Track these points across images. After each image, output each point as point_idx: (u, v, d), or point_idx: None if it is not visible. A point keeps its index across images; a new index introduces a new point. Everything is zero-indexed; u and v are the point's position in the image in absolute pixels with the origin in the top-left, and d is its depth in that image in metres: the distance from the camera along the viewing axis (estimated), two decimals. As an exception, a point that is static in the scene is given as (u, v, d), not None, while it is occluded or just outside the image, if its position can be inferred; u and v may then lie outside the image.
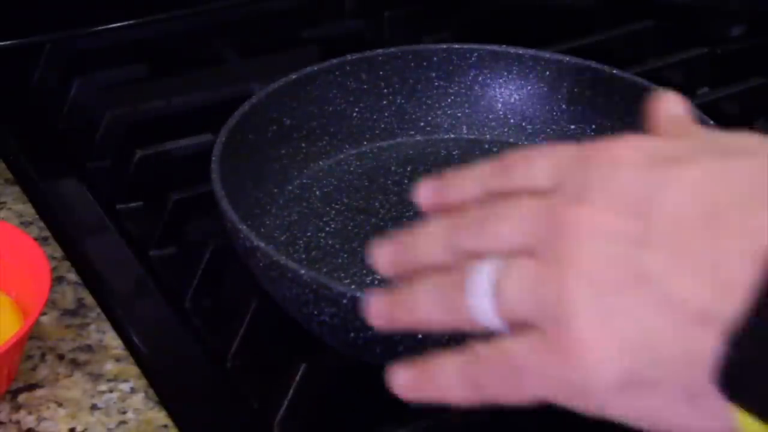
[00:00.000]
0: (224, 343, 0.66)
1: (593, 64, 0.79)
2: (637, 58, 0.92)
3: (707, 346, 0.37)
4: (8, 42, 0.93)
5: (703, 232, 0.37)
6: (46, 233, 0.77)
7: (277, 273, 0.61)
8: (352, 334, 0.59)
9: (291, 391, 0.61)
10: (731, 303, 0.36)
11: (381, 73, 0.81)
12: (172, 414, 0.63)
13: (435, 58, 0.82)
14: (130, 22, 0.96)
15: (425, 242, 0.45)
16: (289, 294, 0.61)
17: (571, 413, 0.58)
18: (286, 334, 0.65)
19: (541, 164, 0.42)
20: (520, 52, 0.81)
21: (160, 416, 0.63)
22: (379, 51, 0.81)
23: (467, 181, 0.46)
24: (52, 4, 0.93)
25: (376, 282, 0.68)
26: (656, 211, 0.38)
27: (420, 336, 0.57)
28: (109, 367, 0.66)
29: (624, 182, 0.39)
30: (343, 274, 0.69)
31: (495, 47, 0.82)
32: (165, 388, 0.64)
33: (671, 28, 0.97)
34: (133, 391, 0.64)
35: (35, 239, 0.69)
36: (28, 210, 0.79)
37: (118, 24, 0.96)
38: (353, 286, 0.68)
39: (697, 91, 0.92)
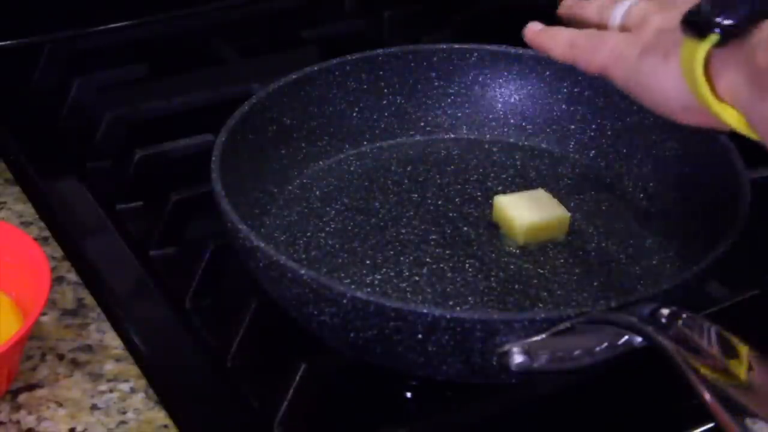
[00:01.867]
0: (224, 343, 0.66)
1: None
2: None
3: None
4: (8, 42, 0.93)
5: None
6: (46, 233, 0.77)
7: (277, 273, 0.61)
8: (352, 334, 0.59)
9: (291, 391, 0.61)
10: None
11: (381, 73, 0.81)
12: (172, 414, 0.63)
13: (435, 58, 0.82)
14: (130, 22, 0.96)
15: (588, 5, 0.68)
16: (289, 294, 0.61)
17: (571, 414, 0.58)
18: (286, 334, 0.65)
19: None
20: (520, 52, 0.82)
21: (160, 416, 0.63)
22: (379, 51, 0.81)
23: None
24: (52, 4, 0.93)
25: (376, 282, 0.68)
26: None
27: (420, 336, 0.57)
28: (109, 367, 0.66)
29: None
30: (343, 274, 0.69)
31: (495, 47, 0.82)
32: (165, 388, 0.64)
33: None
34: (133, 391, 0.64)
35: (35, 239, 0.69)
36: (28, 210, 0.79)
37: (118, 24, 0.96)
38: (353, 286, 0.68)
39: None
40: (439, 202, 0.76)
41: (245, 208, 0.70)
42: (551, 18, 0.70)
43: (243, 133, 0.73)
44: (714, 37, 0.54)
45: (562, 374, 0.60)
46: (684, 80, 0.57)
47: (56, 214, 0.78)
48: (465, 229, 0.73)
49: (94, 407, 0.63)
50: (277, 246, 0.71)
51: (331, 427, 0.63)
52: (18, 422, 0.62)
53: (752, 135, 0.55)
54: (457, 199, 0.76)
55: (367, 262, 0.70)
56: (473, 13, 1.03)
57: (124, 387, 0.65)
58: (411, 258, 0.70)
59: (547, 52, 0.68)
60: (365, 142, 0.81)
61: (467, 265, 0.70)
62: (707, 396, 0.50)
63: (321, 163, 0.79)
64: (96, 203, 0.79)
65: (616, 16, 0.65)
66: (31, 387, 0.64)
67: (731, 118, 0.55)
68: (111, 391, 0.64)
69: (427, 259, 0.70)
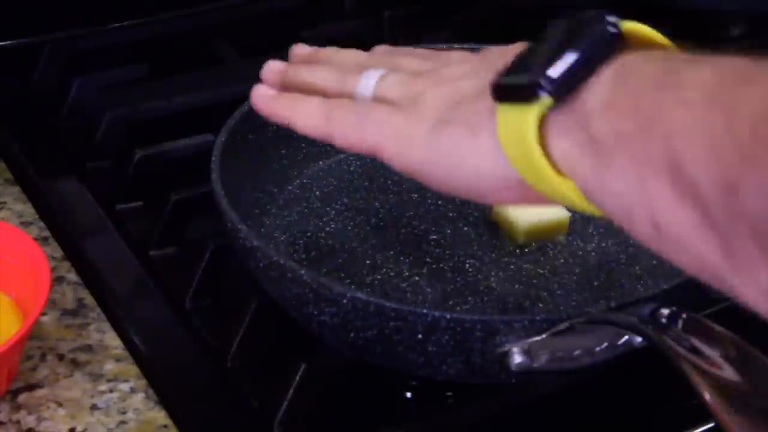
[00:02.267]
0: (224, 343, 0.66)
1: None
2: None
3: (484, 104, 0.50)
4: (8, 42, 0.93)
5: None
6: (46, 233, 0.77)
7: (277, 273, 0.61)
8: (352, 334, 0.59)
9: (291, 391, 0.61)
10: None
11: (381, 73, 0.81)
12: (172, 414, 0.63)
13: (435, 58, 0.82)
14: (130, 22, 0.96)
15: (320, 69, 0.60)
16: (289, 294, 0.61)
17: (571, 414, 0.58)
18: (286, 334, 0.65)
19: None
20: (520, 52, 0.81)
21: (160, 416, 0.63)
22: (379, 51, 0.81)
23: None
24: (52, 4, 0.93)
25: (376, 282, 0.68)
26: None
27: (420, 336, 0.57)
28: (109, 367, 0.66)
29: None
30: (343, 274, 0.69)
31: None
32: (165, 388, 0.64)
33: (671, 28, 0.97)
34: (133, 391, 0.64)
35: (35, 239, 0.69)
36: (28, 210, 0.79)
37: (118, 24, 0.96)
38: (353, 286, 0.68)
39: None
40: (439, 202, 0.76)
41: (245, 208, 0.70)
42: (551, 18, 0.69)
43: (243, 133, 0.73)
44: (546, 101, 0.46)
45: (562, 374, 0.60)
46: (501, 155, 0.48)
47: (56, 214, 0.78)
48: (465, 229, 0.73)
49: (94, 407, 0.63)
50: (277, 246, 0.71)
51: (331, 427, 0.63)
52: (18, 422, 0.62)
53: (585, 207, 0.47)
54: (457, 199, 0.76)
55: (367, 262, 0.70)
56: (473, 14, 1.03)
57: (124, 387, 0.65)
58: (411, 258, 0.70)
59: (290, 124, 0.57)
60: (365, 142, 0.81)
61: (467, 265, 0.70)
62: (707, 396, 0.50)
63: (321, 163, 0.79)
64: (96, 203, 0.79)
65: (366, 87, 0.56)
66: (31, 387, 0.64)
67: (569, 191, 0.47)
68: (111, 391, 0.64)
69: (427, 259, 0.70)
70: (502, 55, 0.51)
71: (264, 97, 0.60)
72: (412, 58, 0.59)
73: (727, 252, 0.40)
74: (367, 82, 0.56)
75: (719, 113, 0.40)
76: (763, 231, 0.39)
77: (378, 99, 0.55)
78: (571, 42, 0.47)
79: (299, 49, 0.64)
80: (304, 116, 0.57)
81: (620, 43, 0.47)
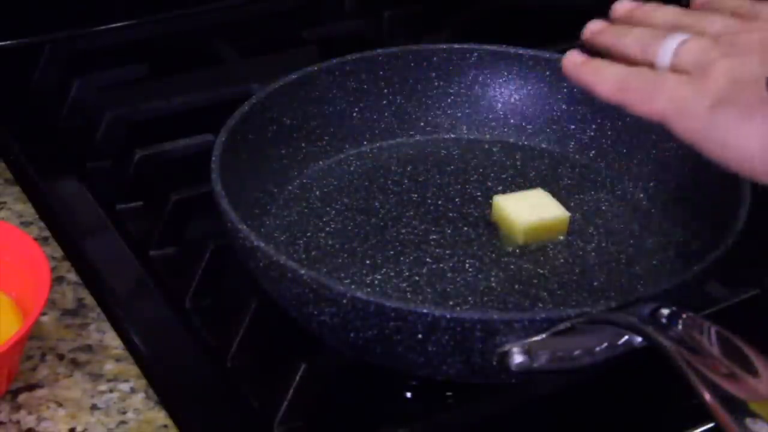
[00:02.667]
0: (224, 343, 0.66)
1: (593, 64, 0.79)
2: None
3: None
4: (8, 42, 0.93)
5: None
6: (46, 233, 0.77)
7: (277, 273, 0.61)
8: (352, 334, 0.59)
9: (291, 391, 0.61)
10: None
11: (381, 73, 0.81)
12: (172, 414, 0.63)
13: (435, 58, 0.82)
14: (130, 22, 0.96)
15: (628, 35, 0.63)
16: (289, 294, 0.61)
17: (571, 414, 0.58)
18: (286, 334, 0.65)
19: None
20: (520, 52, 0.82)
21: (160, 416, 0.63)
22: (379, 51, 0.81)
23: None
24: (52, 4, 0.93)
25: (376, 282, 0.68)
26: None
27: (420, 336, 0.57)
28: (109, 367, 0.66)
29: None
30: (343, 274, 0.69)
31: (495, 47, 0.82)
32: (165, 388, 0.64)
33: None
34: (133, 391, 0.64)
35: (35, 239, 0.69)
36: (28, 210, 0.79)
37: (118, 24, 0.96)
38: (353, 286, 0.68)
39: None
40: (439, 202, 0.76)
41: (245, 208, 0.70)
42: (551, 18, 0.69)
43: (243, 133, 0.73)
44: None
45: (562, 374, 0.60)
46: None
47: (56, 214, 0.78)
48: (465, 229, 0.73)
49: (94, 407, 0.63)
50: (277, 246, 0.71)
51: (331, 427, 0.63)
52: (18, 422, 0.62)
53: None
54: (457, 199, 0.76)
55: (367, 262, 0.70)
56: (473, 13, 1.03)
57: (124, 387, 0.65)
58: (411, 258, 0.70)
59: (591, 88, 0.62)
60: (365, 142, 0.81)
61: (467, 265, 0.70)
62: (707, 396, 0.50)
63: (321, 163, 0.79)
64: (96, 203, 0.79)
65: (665, 54, 0.60)
66: (31, 387, 0.64)
67: None
68: (111, 391, 0.64)
69: (427, 259, 0.70)
70: None
71: (573, 63, 0.64)
72: (719, 18, 0.61)
73: None
74: (666, 50, 0.59)
75: None
76: None
77: (674, 66, 0.59)
78: None
79: (619, 6, 0.66)
80: (603, 83, 0.61)
81: None
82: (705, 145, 0.57)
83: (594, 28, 0.65)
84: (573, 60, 0.64)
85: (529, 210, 0.72)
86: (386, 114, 0.82)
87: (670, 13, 0.64)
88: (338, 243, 0.72)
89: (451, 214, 0.75)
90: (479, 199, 0.76)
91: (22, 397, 0.64)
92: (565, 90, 0.81)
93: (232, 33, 0.97)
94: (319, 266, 0.70)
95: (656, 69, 0.60)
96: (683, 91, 0.58)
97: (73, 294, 0.71)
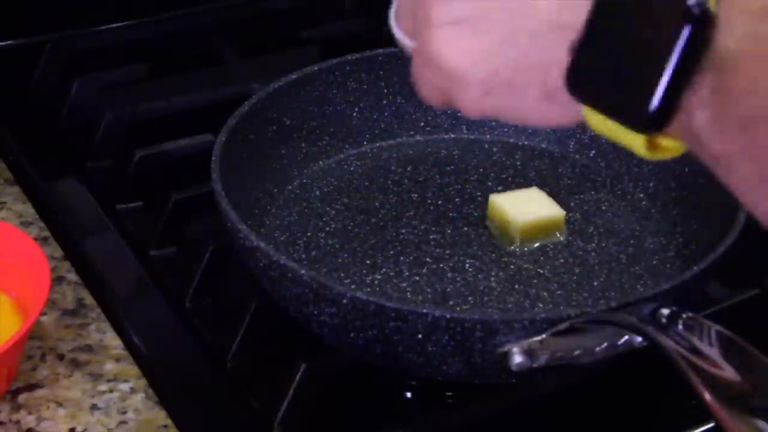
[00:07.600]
0: (224, 343, 0.66)
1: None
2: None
3: (559, 53, 0.45)
4: (8, 42, 0.93)
5: None
6: (46, 233, 0.77)
7: (277, 273, 0.61)
8: (352, 334, 0.59)
9: (291, 391, 0.61)
10: (577, 14, 0.44)
11: (381, 73, 0.81)
12: (172, 414, 0.63)
13: (435, 58, 0.82)
14: (130, 22, 0.96)
15: None
16: (289, 294, 0.61)
17: (571, 414, 0.58)
18: (286, 334, 0.65)
19: None
20: (520, 52, 0.81)
21: (160, 416, 0.63)
22: (379, 51, 0.81)
23: None
24: (52, 4, 0.93)
25: (376, 282, 0.68)
26: None
27: (420, 336, 0.57)
28: (109, 367, 0.66)
29: None
30: (343, 274, 0.69)
31: (495, 47, 0.82)
32: (165, 388, 0.64)
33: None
34: (133, 391, 0.64)
35: (35, 239, 0.69)
36: (28, 210, 0.79)
37: (118, 24, 0.96)
38: (353, 286, 0.68)
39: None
40: (439, 202, 0.76)
41: (245, 208, 0.70)
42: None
43: (243, 133, 0.73)
44: None
45: (562, 374, 0.60)
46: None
47: (56, 214, 0.78)
48: (465, 229, 0.73)
49: (94, 407, 0.63)
50: (277, 246, 0.71)
51: (331, 427, 0.63)
52: (18, 422, 0.62)
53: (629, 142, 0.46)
54: (457, 199, 0.76)
55: (367, 262, 0.70)
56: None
57: (124, 387, 0.65)
58: (411, 258, 0.70)
59: None
60: (365, 142, 0.81)
61: (467, 265, 0.70)
62: (707, 396, 0.50)
63: (321, 163, 0.79)
64: (96, 203, 0.79)
65: None
66: (31, 387, 0.64)
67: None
68: (111, 391, 0.64)
69: (427, 259, 0.70)
70: None
71: None
72: None
73: None
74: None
75: None
76: None
77: (399, 29, 0.58)
78: None
79: None
80: None
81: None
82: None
83: None
84: None
85: (524, 210, 0.72)
86: (386, 114, 0.82)
87: None
88: (338, 243, 0.72)
89: (451, 214, 0.75)
90: (479, 199, 0.76)
91: (22, 397, 0.64)
92: (565, 90, 0.81)
93: (232, 33, 0.97)
94: (319, 266, 0.70)
95: None
96: None
97: (73, 294, 0.71)
